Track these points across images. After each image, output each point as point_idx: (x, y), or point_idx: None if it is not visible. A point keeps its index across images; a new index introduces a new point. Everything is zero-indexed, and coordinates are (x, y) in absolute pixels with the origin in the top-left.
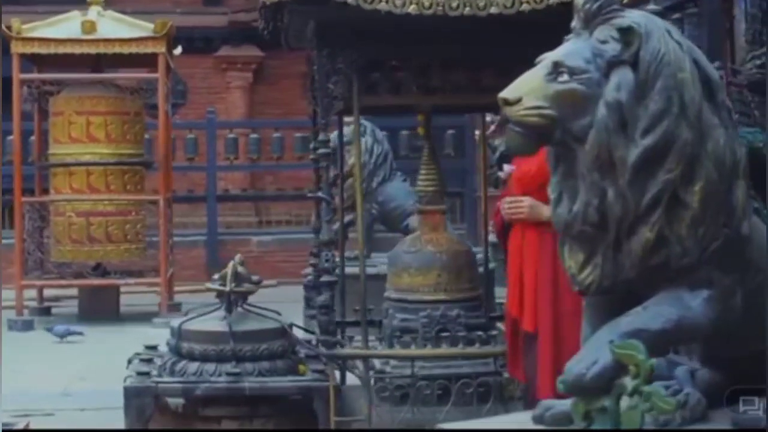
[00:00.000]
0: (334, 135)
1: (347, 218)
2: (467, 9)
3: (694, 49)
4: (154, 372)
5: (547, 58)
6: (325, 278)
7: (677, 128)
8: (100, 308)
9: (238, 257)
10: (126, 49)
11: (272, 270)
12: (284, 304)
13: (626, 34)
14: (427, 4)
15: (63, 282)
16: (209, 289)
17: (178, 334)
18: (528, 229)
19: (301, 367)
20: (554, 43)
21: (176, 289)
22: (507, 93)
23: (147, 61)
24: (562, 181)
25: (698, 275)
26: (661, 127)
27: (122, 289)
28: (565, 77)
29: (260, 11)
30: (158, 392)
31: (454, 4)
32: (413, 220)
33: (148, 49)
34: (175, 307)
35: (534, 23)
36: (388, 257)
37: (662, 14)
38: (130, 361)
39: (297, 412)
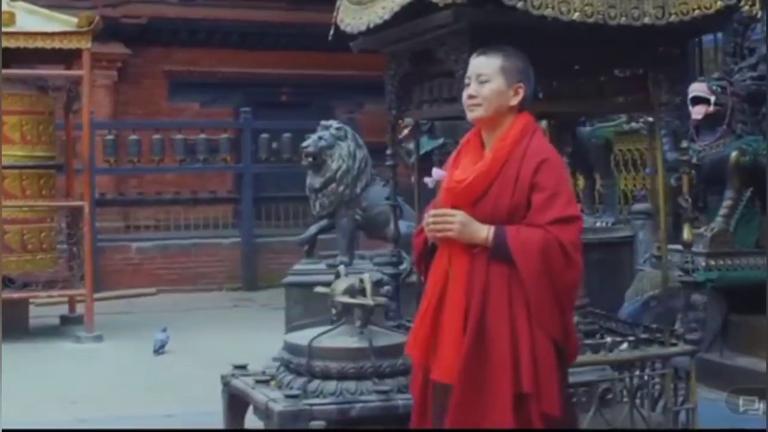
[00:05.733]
0: (312, 140)
1: (320, 224)
2: (623, 18)
3: None
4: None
5: None
6: None
7: None
8: (10, 324)
9: (341, 268)
10: (49, 44)
11: (151, 278)
12: (178, 314)
13: None
14: (589, 12)
15: None
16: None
17: (309, 352)
18: (456, 252)
19: None
20: (679, 53)
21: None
22: None
23: (58, 57)
24: None
25: None
26: None
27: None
28: None
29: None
30: (313, 415)
31: (612, 14)
32: (400, 226)
33: (72, 44)
34: (77, 320)
35: (661, 35)
36: None
37: None
38: (226, 383)
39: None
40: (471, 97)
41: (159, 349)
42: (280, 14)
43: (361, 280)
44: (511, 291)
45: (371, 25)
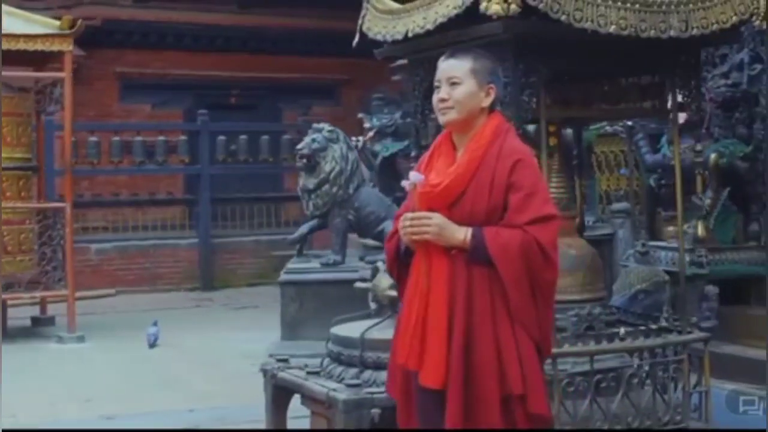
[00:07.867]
0: (305, 142)
1: (311, 224)
2: (652, 31)
3: None
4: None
5: None
6: None
7: None
8: None
9: (380, 264)
10: (31, 46)
11: (110, 279)
12: (143, 314)
13: None
14: (623, 25)
15: None
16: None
17: (362, 344)
18: (436, 254)
19: None
20: (695, 62)
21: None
22: None
23: (27, 59)
24: None
25: None
26: None
27: None
28: None
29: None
30: (374, 403)
31: (643, 27)
32: (389, 225)
33: (55, 46)
34: (49, 321)
35: (679, 45)
36: None
37: None
38: (273, 375)
39: None
40: (443, 100)
41: (153, 343)
42: (231, 17)
43: None
44: (492, 292)
45: (410, 35)
